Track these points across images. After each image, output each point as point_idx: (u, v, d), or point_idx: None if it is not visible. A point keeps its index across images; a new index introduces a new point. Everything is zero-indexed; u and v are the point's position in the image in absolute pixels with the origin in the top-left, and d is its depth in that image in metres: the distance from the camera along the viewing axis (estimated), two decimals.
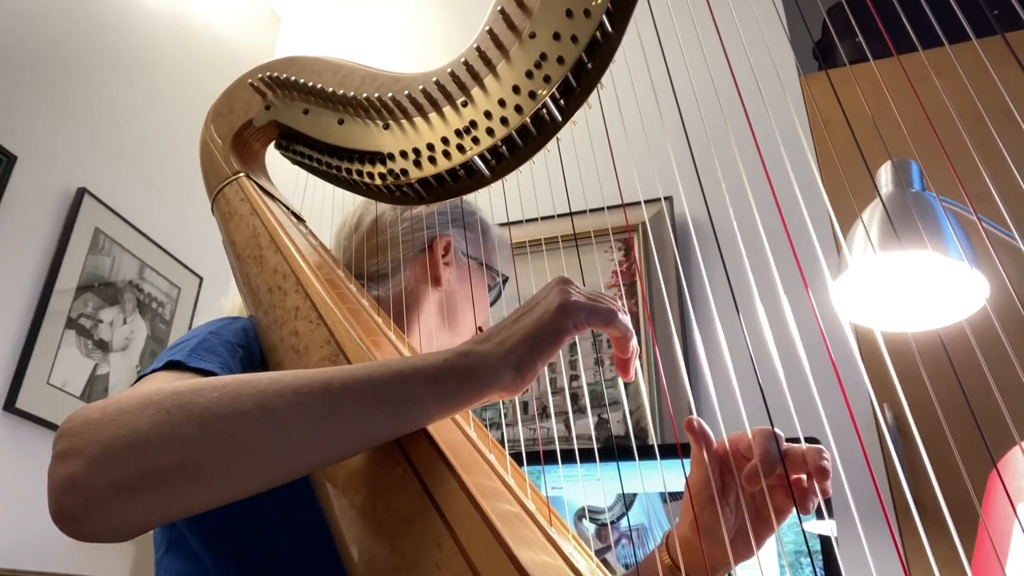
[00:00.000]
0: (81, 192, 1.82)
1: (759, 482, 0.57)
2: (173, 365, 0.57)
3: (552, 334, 0.49)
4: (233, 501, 0.43)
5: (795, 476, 0.60)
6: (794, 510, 0.61)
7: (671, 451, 1.24)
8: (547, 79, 0.60)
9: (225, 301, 0.88)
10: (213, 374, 0.57)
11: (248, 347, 0.64)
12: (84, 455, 0.40)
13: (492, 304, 0.97)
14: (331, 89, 0.73)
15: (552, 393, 1.77)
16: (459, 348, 0.49)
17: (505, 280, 0.98)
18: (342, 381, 0.45)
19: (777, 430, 0.59)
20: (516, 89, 0.62)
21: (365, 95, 0.70)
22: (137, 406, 0.43)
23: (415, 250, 0.90)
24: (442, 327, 0.90)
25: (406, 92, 0.68)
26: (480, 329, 0.93)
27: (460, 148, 0.64)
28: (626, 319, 0.54)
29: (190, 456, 0.41)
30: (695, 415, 0.64)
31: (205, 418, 0.42)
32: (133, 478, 0.40)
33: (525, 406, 1.77)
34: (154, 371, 0.56)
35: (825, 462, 0.59)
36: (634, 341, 0.55)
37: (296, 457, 0.44)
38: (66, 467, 0.40)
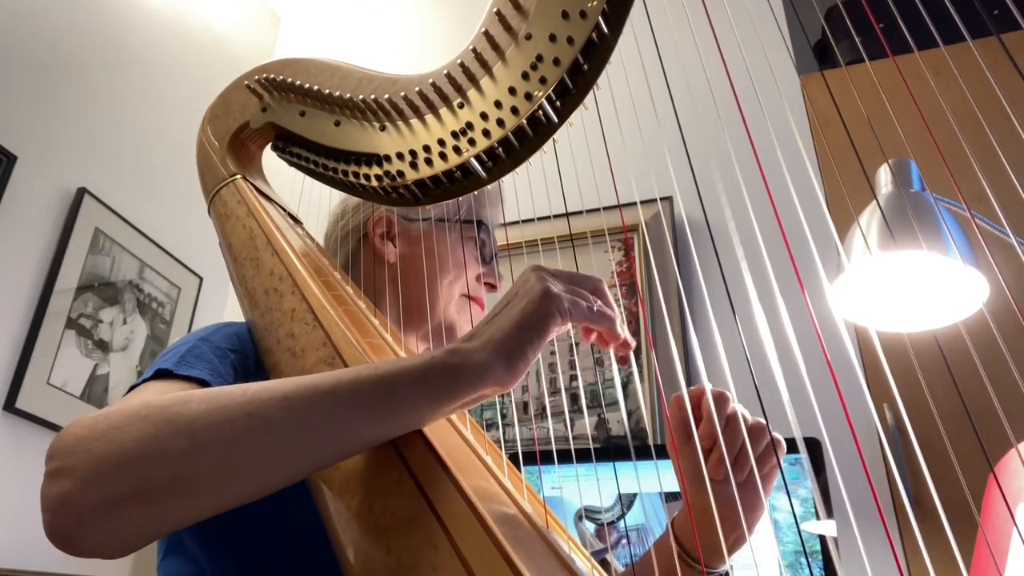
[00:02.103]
0: (81, 192, 1.82)
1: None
2: (162, 374, 0.57)
3: (539, 322, 0.49)
4: (227, 510, 0.43)
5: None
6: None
7: None
8: (543, 81, 0.60)
9: None
10: (202, 381, 0.57)
11: (242, 351, 0.64)
12: (75, 474, 0.41)
13: (491, 257, 0.89)
14: (328, 91, 0.73)
15: (551, 393, 1.77)
16: (448, 347, 0.49)
17: (480, 224, 0.88)
18: (329, 385, 0.45)
19: (718, 392, 0.64)
20: (512, 91, 0.62)
21: (361, 97, 0.70)
22: (126, 422, 0.42)
23: (358, 237, 0.88)
24: (421, 304, 0.84)
25: (402, 94, 0.68)
26: (480, 280, 0.88)
27: (456, 150, 0.64)
28: (605, 309, 0.53)
29: (180, 470, 0.41)
30: (692, 416, 0.64)
31: (193, 430, 0.42)
32: (124, 494, 0.40)
33: (525, 406, 1.77)
34: (144, 381, 0.57)
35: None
36: (621, 329, 0.55)
37: (287, 464, 0.44)
38: (57, 486, 0.41)
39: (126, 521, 0.40)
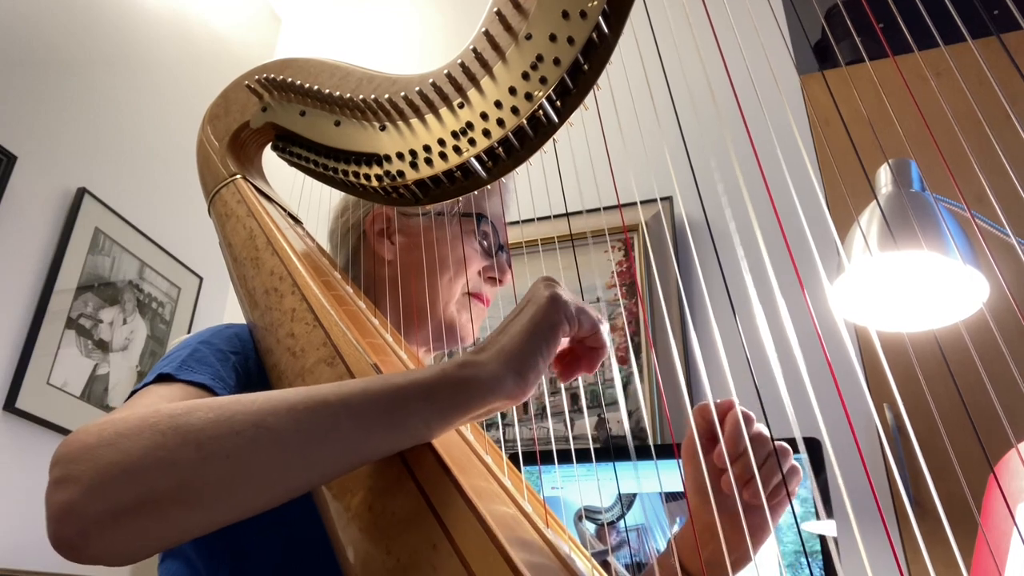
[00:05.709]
0: (81, 192, 1.82)
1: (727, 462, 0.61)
2: (164, 378, 0.56)
3: (548, 329, 0.49)
4: (233, 522, 0.43)
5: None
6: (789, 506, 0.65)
7: (669, 451, 1.24)
8: (543, 81, 0.60)
9: None
10: (204, 385, 0.56)
11: (243, 352, 0.64)
12: (80, 482, 0.40)
13: (497, 248, 0.85)
14: (328, 90, 0.73)
15: (551, 393, 1.77)
16: (457, 359, 0.48)
17: (480, 216, 0.84)
18: (338, 397, 0.45)
19: (745, 411, 0.63)
20: (512, 91, 0.62)
21: (362, 96, 0.70)
22: (133, 430, 0.42)
23: (358, 234, 0.86)
24: (420, 303, 0.81)
25: (403, 94, 0.68)
26: (484, 275, 0.85)
27: (456, 150, 0.64)
28: (607, 333, 0.54)
29: (187, 480, 0.41)
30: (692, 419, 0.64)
31: (201, 440, 0.41)
32: (130, 504, 0.39)
33: (525, 406, 1.77)
34: (145, 385, 0.56)
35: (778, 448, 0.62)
36: (606, 354, 0.55)
37: (294, 476, 0.43)
38: (62, 494, 0.40)
39: (131, 531, 0.40)
